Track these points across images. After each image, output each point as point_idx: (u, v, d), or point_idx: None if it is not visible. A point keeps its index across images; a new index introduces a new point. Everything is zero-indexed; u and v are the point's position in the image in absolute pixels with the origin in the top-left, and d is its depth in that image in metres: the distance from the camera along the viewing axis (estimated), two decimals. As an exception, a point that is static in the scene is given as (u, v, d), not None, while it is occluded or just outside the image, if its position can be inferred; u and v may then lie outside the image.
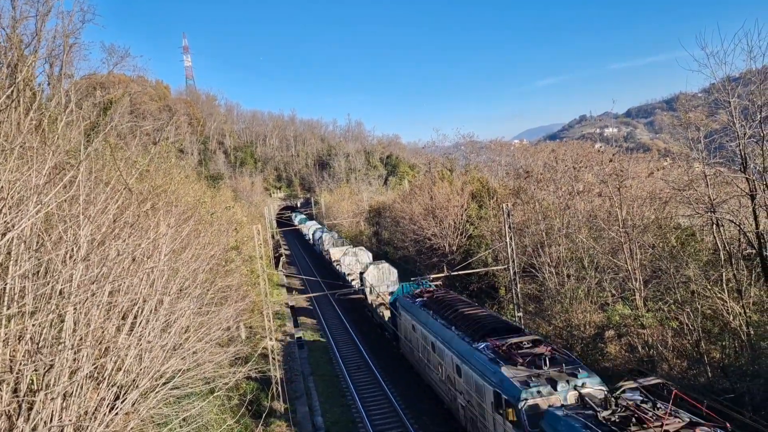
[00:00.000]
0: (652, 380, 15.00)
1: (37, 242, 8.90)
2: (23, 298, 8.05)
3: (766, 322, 21.77)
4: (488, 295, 42.03)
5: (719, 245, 23.04)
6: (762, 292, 22.42)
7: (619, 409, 13.23)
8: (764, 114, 19.48)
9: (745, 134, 19.85)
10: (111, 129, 29.74)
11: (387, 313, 38.29)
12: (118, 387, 9.39)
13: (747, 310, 21.70)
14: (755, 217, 20.55)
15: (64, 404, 8.45)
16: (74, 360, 8.60)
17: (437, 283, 37.43)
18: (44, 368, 8.19)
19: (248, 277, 32.40)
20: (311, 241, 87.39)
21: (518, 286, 29.22)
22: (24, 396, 7.92)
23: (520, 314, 28.65)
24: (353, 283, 49.83)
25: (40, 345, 8.29)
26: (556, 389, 16.51)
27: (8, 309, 7.76)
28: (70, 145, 12.08)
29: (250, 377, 24.66)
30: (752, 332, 21.30)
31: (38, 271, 8.80)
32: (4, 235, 7.67)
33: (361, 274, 46.99)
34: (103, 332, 9.58)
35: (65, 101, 27.96)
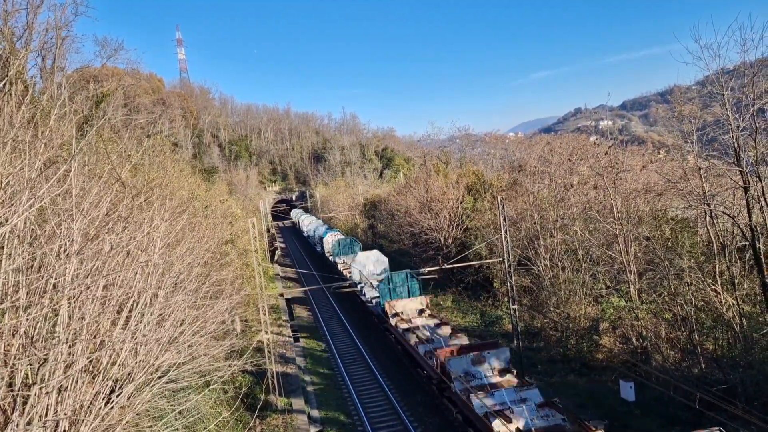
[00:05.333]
0: None
1: (31, 236, 8.87)
2: (17, 293, 8.03)
3: (759, 314, 21.92)
4: (483, 288, 42.18)
5: (713, 237, 23.16)
6: (755, 284, 22.57)
7: None
8: (757, 107, 19.54)
9: (738, 127, 19.91)
10: (104, 122, 29.59)
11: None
12: (113, 380, 9.39)
13: (740, 302, 21.85)
14: (748, 210, 20.64)
15: (59, 398, 8.45)
16: (69, 354, 8.59)
17: (433, 276, 37.63)
18: (39, 362, 8.19)
19: (243, 271, 32.39)
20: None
21: (513, 278, 29.29)
22: (19, 390, 7.92)
23: (515, 307, 28.74)
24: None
25: (34, 339, 8.28)
26: None
27: (2, 303, 7.74)
28: (63, 138, 12.02)
29: (246, 371, 24.69)
30: (745, 324, 21.46)
31: (32, 266, 8.78)
32: (-3, 229, 7.64)
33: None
34: (97, 326, 9.57)
35: (58, 94, 27.80)
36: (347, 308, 47.18)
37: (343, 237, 61.95)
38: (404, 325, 31.33)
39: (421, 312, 33.94)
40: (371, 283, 42.79)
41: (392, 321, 32.98)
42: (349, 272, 48.51)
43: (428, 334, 29.23)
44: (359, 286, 43.46)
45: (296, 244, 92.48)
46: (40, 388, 8.00)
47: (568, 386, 26.12)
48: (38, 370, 8.17)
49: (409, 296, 36.26)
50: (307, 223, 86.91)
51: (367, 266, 45.82)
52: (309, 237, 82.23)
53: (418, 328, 30.32)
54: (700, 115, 23.51)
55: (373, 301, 39.41)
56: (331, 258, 58.53)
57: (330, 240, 63.09)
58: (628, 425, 21.26)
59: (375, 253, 47.38)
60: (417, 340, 28.53)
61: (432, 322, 31.77)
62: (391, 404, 26.60)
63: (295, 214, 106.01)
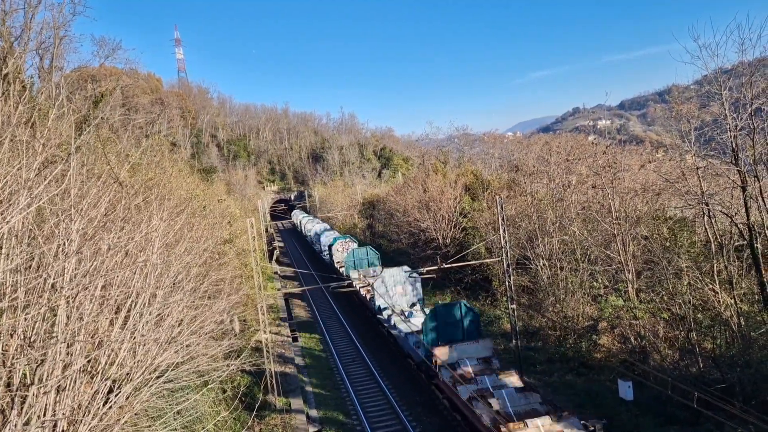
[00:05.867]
0: None
1: (29, 236, 8.86)
2: (15, 293, 8.02)
3: (757, 313, 21.96)
4: (482, 288, 42.22)
5: (711, 237, 23.19)
6: (753, 283, 22.61)
7: None
8: (755, 106, 19.58)
9: (736, 126, 19.95)
10: (102, 122, 29.58)
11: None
12: (111, 380, 9.38)
13: (738, 301, 21.88)
14: (746, 209, 20.69)
15: (58, 398, 8.44)
16: (67, 354, 8.59)
17: (431, 276, 37.15)
18: (37, 362, 8.18)
19: (242, 271, 32.37)
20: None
21: (511, 278, 29.32)
22: (17, 390, 7.91)
23: (513, 306, 28.76)
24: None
25: (32, 339, 8.27)
26: None
27: (0, 303, 7.73)
28: (61, 138, 12.01)
29: (244, 370, 24.67)
30: (743, 323, 21.49)
31: (30, 265, 8.77)
32: (-6, 229, 7.63)
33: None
34: (96, 326, 9.57)
35: (56, 94, 27.78)
36: (341, 301, 47.06)
37: (357, 247, 51.44)
38: (466, 389, 21.32)
39: (485, 363, 24.56)
40: (403, 313, 33.53)
41: (445, 377, 23.72)
42: (369, 292, 39.35)
43: (508, 405, 19.95)
44: (385, 314, 35.07)
45: (296, 245, 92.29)
46: (39, 388, 8.00)
47: (566, 386, 26.14)
48: (36, 369, 8.16)
49: (464, 338, 26.49)
50: (311, 227, 76.55)
51: (394, 288, 36.07)
52: (313, 243, 71.83)
53: (488, 392, 20.86)
54: (698, 114, 23.56)
55: (411, 339, 29.63)
56: (342, 270, 48.99)
57: (341, 249, 53.67)
58: (626, 424, 21.28)
59: (403, 272, 36.79)
60: (498, 418, 18.63)
61: (508, 381, 22.22)
62: (389, 402, 26.58)
63: (296, 215, 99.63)
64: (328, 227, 71.34)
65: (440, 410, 24.96)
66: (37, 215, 9.42)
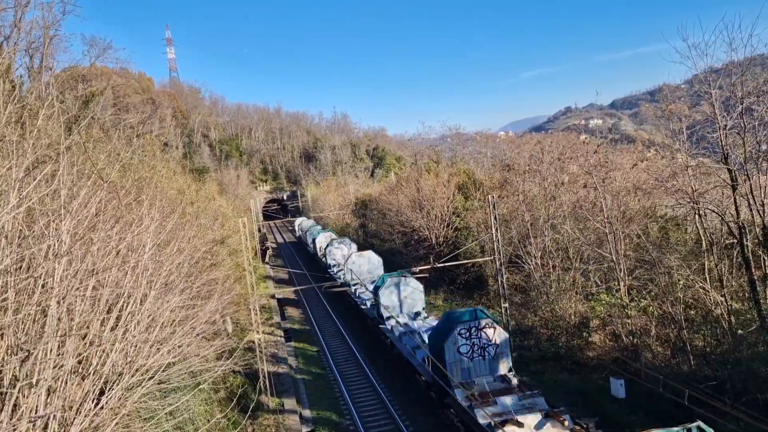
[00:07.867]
0: None
1: (19, 237, 8.80)
2: (5, 293, 7.97)
3: (747, 311, 22.13)
4: (475, 287, 42.31)
5: (701, 235, 23.34)
6: (742, 281, 22.78)
7: None
8: (745, 105, 19.71)
9: (726, 125, 20.08)
10: (93, 122, 29.41)
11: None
12: (103, 381, 9.33)
13: (728, 299, 22.03)
14: (736, 207, 20.83)
15: (48, 399, 8.39)
16: (58, 354, 8.54)
17: (424, 275, 37.05)
18: (27, 363, 8.12)
19: (234, 271, 32.25)
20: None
21: (504, 277, 29.39)
22: (7, 391, 7.85)
23: (506, 305, 28.84)
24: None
25: (22, 340, 8.21)
26: None
27: (-11, 304, 7.68)
28: (51, 138, 11.94)
29: (238, 371, 24.60)
30: (733, 320, 21.65)
31: (20, 266, 8.71)
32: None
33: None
34: (87, 326, 9.51)
35: (46, 94, 27.58)
36: (335, 302, 46.92)
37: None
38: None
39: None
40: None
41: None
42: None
43: None
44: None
45: (286, 241, 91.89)
46: (29, 389, 7.94)
47: (559, 384, 26.22)
48: (20, 369, 8.10)
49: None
50: (340, 252, 51.63)
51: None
52: (359, 298, 40.59)
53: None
54: (689, 113, 23.72)
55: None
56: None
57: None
58: (618, 422, 21.38)
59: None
60: None
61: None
62: (383, 402, 26.58)
63: (303, 226, 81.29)
64: (380, 269, 42.74)
65: (434, 408, 24.97)
66: (26, 215, 9.35)
